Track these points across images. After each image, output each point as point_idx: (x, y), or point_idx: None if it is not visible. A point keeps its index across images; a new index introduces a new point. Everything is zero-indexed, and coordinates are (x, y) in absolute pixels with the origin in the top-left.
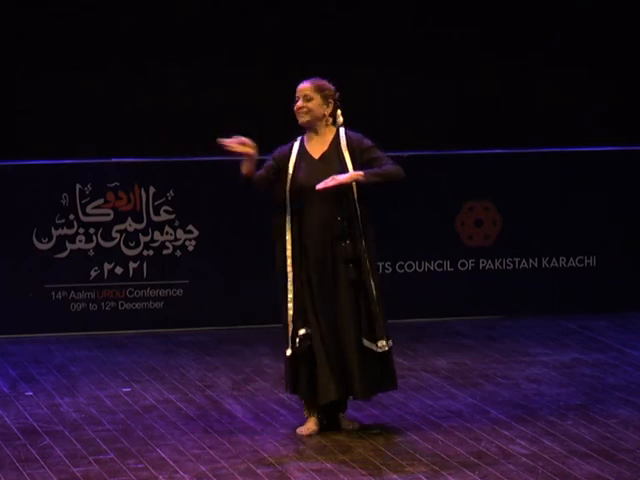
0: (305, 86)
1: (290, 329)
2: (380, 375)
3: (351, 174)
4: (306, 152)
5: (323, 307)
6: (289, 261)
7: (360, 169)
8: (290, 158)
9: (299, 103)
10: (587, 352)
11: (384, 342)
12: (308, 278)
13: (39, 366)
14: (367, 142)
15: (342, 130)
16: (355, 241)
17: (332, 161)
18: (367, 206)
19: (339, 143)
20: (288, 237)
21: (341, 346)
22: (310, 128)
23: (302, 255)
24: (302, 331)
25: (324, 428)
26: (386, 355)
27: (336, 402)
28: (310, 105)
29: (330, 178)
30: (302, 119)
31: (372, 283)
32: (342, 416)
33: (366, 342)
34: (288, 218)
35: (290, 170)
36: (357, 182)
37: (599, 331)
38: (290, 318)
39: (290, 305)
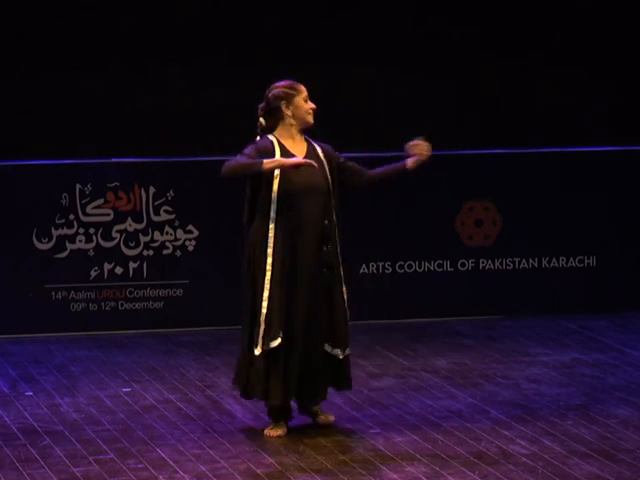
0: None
1: (262, 328)
2: (335, 377)
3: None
4: (288, 151)
5: (298, 308)
6: (269, 259)
7: (336, 173)
8: (275, 154)
9: (313, 105)
10: (587, 352)
11: (347, 350)
12: (288, 278)
13: (39, 366)
14: (336, 152)
15: (310, 140)
16: (335, 246)
17: (316, 162)
18: (340, 212)
19: (315, 149)
20: (271, 235)
21: (305, 349)
22: (304, 129)
23: (285, 255)
24: (277, 333)
25: (322, 428)
26: (345, 360)
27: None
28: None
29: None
30: (312, 120)
31: (343, 289)
32: (317, 410)
33: (328, 347)
34: (273, 216)
35: (277, 170)
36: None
37: (599, 331)
38: (263, 317)
39: (265, 304)
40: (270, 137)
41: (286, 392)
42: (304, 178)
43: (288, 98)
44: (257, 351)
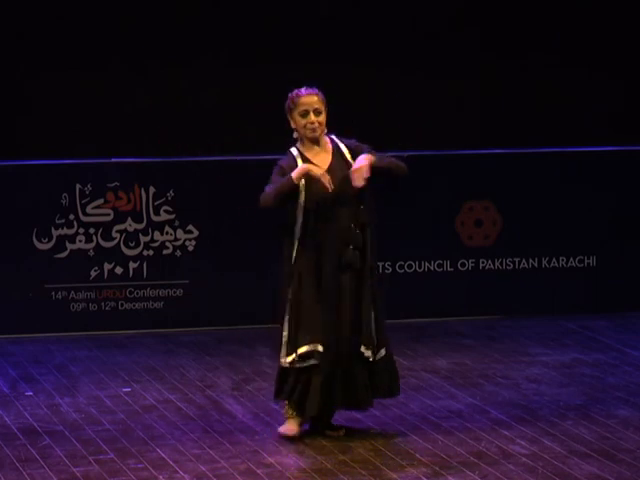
0: (314, 99)
1: (295, 339)
2: (382, 382)
3: (364, 157)
4: (312, 164)
5: (330, 317)
6: (303, 270)
7: None
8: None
9: (312, 118)
10: (587, 352)
11: (379, 353)
12: (319, 289)
13: (39, 366)
14: (362, 145)
15: (334, 138)
16: (364, 250)
17: (340, 171)
18: (374, 215)
19: (340, 152)
20: (301, 248)
21: (341, 358)
22: (314, 141)
23: (316, 267)
24: (307, 347)
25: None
26: (388, 362)
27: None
28: (321, 119)
29: (356, 170)
30: (314, 134)
31: (371, 291)
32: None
33: (363, 349)
34: (300, 232)
35: (302, 183)
36: (370, 166)
37: (599, 331)
38: (294, 329)
39: (299, 317)
40: (293, 151)
41: (324, 402)
42: (332, 186)
43: (289, 112)
44: (288, 359)
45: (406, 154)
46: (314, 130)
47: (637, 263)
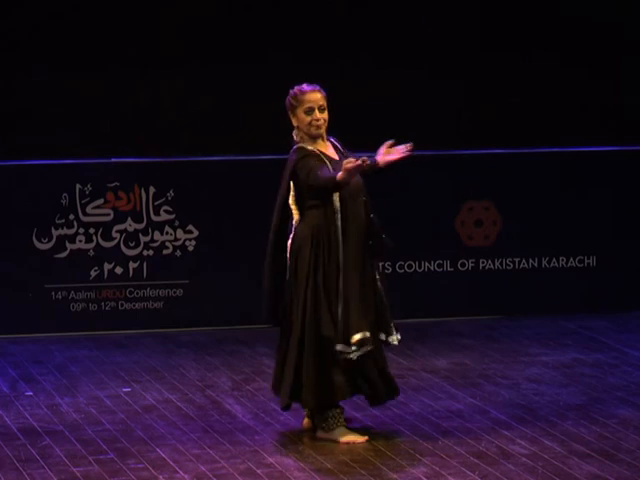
0: (318, 96)
1: (342, 330)
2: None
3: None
4: (327, 155)
5: (372, 305)
6: (341, 258)
7: None
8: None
9: (318, 115)
10: (587, 352)
11: (398, 336)
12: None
13: (39, 366)
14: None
15: (332, 139)
16: (382, 237)
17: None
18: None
19: (337, 147)
20: (338, 237)
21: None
22: (317, 138)
23: (339, 256)
24: (360, 335)
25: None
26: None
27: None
28: (325, 115)
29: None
30: (319, 131)
31: (382, 278)
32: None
33: (382, 335)
34: (337, 219)
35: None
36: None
37: (599, 331)
38: (341, 323)
39: (340, 305)
40: (306, 146)
41: (351, 387)
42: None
43: (292, 110)
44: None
45: None
46: (319, 127)
47: (637, 263)
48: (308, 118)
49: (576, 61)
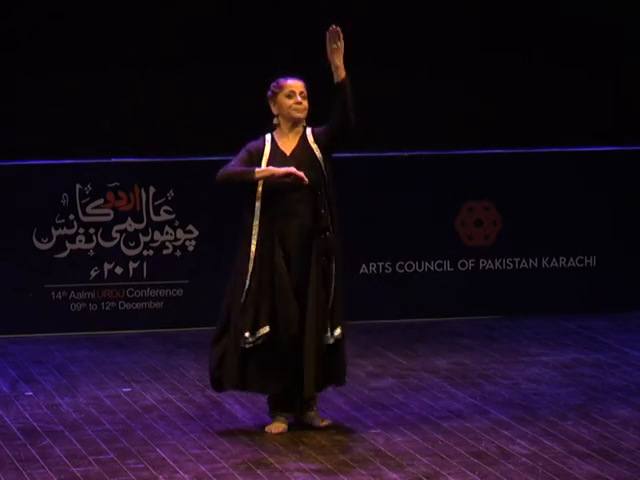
0: (300, 83)
1: (240, 323)
2: (330, 370)
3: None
4: (278, 149)
5: (287, 303)
6: (252, 255)
7: (328, 150)
8: (264, 154)
9: (299, 99)
10: (587, 352)
11: (339, 330)
12: (273, 274)
13: (39, 366)
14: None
15: (308, 129)
16: (332, 234)
17: (302, 156)
18: (335, 201)
19: (306, 139)
20: (255, 232)
21: (300, 343)
22: (294, 124)
23: (269, 251)
24: (266, 329)
25: (322, 428)
26: (338, 349)
27: (300, 401)
28: (306, 103)
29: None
30: (300, 115)
31: (335, 275)
32: (313, 414)
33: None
34: (257, 214)
35: (263, 166)
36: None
37: (599, 331)
38: (239, 313)
39: (242, 301)
40: (267, 136)
41: (283, 380)
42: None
43: (273, 97)
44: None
45: (406, 154)
46: (299, 111)
47: (637, 263)
48: (290, 102)
49: (576, 61)
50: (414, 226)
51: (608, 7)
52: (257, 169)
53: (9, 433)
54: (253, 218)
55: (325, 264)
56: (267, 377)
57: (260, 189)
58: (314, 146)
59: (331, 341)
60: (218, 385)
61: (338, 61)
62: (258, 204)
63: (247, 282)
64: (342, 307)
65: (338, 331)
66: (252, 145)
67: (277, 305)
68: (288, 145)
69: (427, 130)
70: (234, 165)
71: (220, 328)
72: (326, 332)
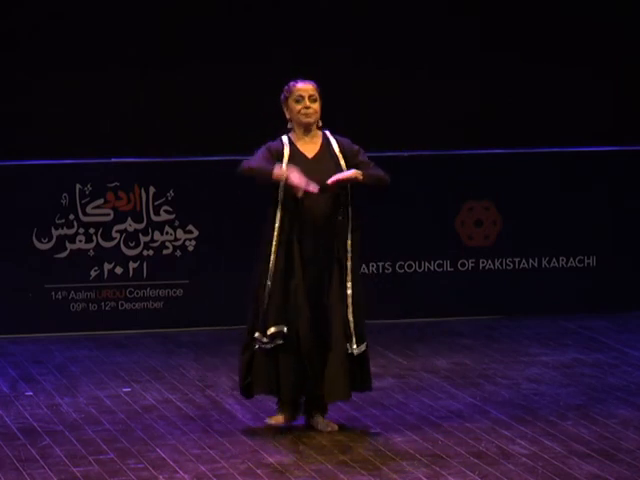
0: (309, 86)
1: (260, 325)
2: (357, 377)
3: (354, 171)
4: (299, 151)
5: (308, 305)
6: (272, 257)
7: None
8: (283, 155)
9: (307, 103)
10: (587, 352)
11: (361, 346)
12: (292, 275)
13: (39, 366)
14: (355, 146)
15: (327, 133)
16: (345, 241)
17: (326, 161)
18: (358, 210)
19: (330, 145)
20: (276, 234)
21: (319, 347)
22: (307, 129)
23: (290, 253)
24: (274, 329)
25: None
26: (363, 357)
27: (313, 402)
28: (315, 106)
29: (338, 175)
30: (309, 119)
31: (351, 286)
32: (321, 419)
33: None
34: (279, 215)
35: (284, 167)
36: (356, 180)
37: (599, 331)
38: (261, 314)
39: (266, 301)
40: (283, 138)
41: (297, 387)
42: (313, 174)
43: (285, 102)
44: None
45: (406, 154)
46: (308, 115)
47: (637, 263)
48: (298, 107)
49: (576, 61)
50: (414, 226)
51: (608, 7)
52: (276, 170)
53: (9, 433)
54: (274, 222)
55: (343, 261)
56: (293, 381)
57: (282, 193)
58: (340, 155)
59: (355, 352)
60: (248, 392)
61: (345, 181)
62: (279, 207)
63: (268, 284)
64: (363, 317)
65: (363, 347)
66: (272, 145)
67: (294, 310)
68: (308, 148)
69: (427, 130)
70: (258, 160)
71: (248, 335)
72: (350, 342)
